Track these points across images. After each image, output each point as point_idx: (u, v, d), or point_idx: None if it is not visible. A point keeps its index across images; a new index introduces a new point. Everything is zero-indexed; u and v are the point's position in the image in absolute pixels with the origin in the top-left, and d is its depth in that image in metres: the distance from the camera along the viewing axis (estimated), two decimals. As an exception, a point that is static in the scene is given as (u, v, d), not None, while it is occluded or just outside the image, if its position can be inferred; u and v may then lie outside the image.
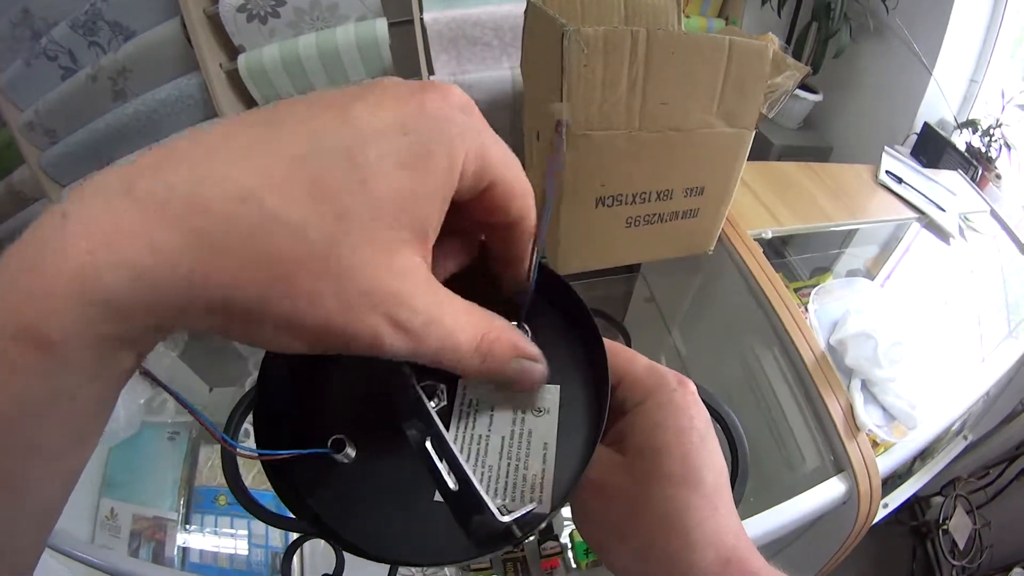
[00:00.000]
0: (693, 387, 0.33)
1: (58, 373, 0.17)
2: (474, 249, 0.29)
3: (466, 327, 0.24)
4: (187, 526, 0.86)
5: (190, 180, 0.17)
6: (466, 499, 0.27)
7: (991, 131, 1.69)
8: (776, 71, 0.64)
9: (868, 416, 0.70)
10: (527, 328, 0.33)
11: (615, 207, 0.70)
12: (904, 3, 1.76)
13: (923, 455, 1.17)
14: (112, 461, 0.92)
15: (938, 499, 1.60)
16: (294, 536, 0.43)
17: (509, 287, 0.30)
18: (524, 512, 0.27)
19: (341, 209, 0.19)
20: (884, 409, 0.73)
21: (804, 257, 1.12)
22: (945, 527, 1.51)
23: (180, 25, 1.67)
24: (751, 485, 0.37)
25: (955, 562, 1.52)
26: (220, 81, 1.76)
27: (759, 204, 1.03)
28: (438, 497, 0.29)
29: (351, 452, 0.30)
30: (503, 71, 1.84)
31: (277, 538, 0.84)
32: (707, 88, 0.62)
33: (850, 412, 0.69)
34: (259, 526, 0.85)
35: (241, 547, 0.84)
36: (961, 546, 1.50)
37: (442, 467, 0.28)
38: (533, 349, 0.28)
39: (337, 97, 0.20)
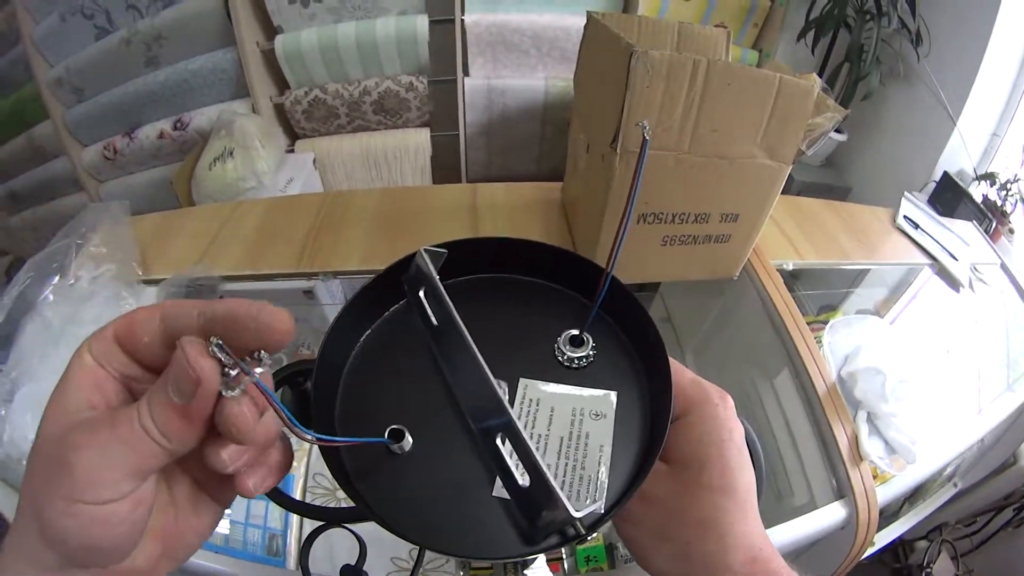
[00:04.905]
0: (731, 401, 0.35)
1: None
2: None
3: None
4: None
5: None
6: (536, 494, 0.28)
7: (1008, 185, 1.71)
8: (817, 111, 0.67)
9: (871, 447, 0.73)
10: (588, 337, 0.36)
11: (655, 224, 0.72)
12: (936, 53, 1.79)
13: (912, 498, 1.19)
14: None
15: (922, 544, 1.60)
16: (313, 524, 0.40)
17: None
18: (592, 509, 0.28)
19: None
20: (886, 442, 0.75)
21: (814, 293, 1.14)
22: (929, 571, 1.52)
23: (222, -1, 1.67)
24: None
25: (934, 608, 1.52)
26: (255, 59, 1.80)
27: (782, 236, 1.06)
28: (496, 492, 0.30)
29: (407, 444, 0.31)
30: (537, 80, 1.88)
31: (276, 519, 0.82)
32: (754, 120, 0.65)
33: (855, 442, 0.72)
34: (257, 505, 0.83)
35: (237, 525, 0.82)
36: (942, 591, 1.51)
37: (512, 462, 0.29)
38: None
39: None
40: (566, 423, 0.33)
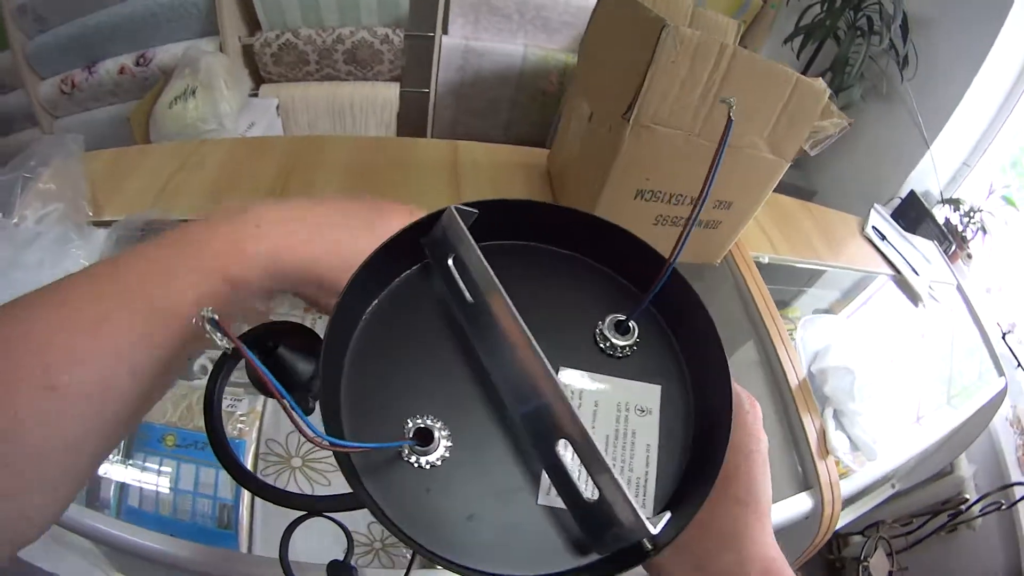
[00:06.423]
0: (760, 410, 0.33)
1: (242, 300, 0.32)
2: None
3: None
4: (127, 464, 0.75)
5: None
6: (602, 509, 0.24)
7: (972, 214, 1.77)
8: (822, 116, 0.68)
9: (838, 442, 0.75)
10: (634, 324, 0.32)
11: (651, 203, 0.72)
12: (920, 78, 1.83)
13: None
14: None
15: (858, 538, 1.68)
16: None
17: None
18: (666, 521, 0.24)
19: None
20: (850, 439, 0.78)
21: (772, 288, 1.14)
22: (866, 564, 1.58)
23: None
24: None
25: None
26: (227, -6, 1.71)
27: (760, 230, 1.08)
28: (542, 500, 0.26)
29: (436, 451, 0.26)
30: (516, 46, 1.84)
31: (227, 488, 0.73)
32: (766, 113, 0.65)
33: (823, 436, 0.74)
34: (207, 473, 0.75)
35: (186, 494, 0.74)
36: (878, 583, 1.58)
37: (575, 473, 0.25)
38: None
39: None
40: (611, 419, 0.30)
